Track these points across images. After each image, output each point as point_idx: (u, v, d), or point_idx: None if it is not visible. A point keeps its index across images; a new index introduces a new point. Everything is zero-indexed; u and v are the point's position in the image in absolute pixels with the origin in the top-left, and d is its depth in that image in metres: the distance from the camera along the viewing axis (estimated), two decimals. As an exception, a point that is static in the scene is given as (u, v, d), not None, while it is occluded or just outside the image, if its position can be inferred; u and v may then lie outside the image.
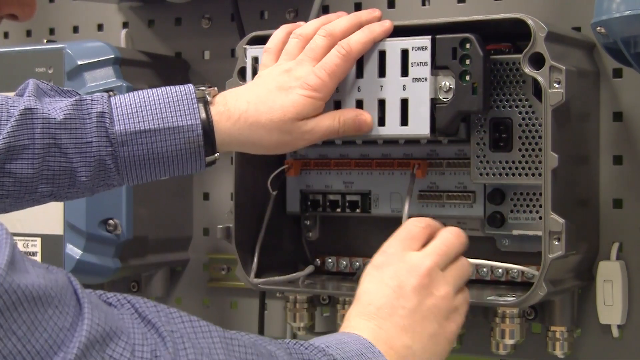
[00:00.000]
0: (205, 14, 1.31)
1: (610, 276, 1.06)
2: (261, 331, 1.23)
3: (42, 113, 0.91)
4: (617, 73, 1.07)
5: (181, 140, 0.92)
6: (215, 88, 0.97)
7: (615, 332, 1.07)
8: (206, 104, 0.94)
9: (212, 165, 0.95)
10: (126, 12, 1.37)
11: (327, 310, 1.20)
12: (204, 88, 0.95)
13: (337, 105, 1.01)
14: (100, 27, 1.39)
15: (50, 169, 0.91)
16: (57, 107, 0.92)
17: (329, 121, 0.98)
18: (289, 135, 0.96)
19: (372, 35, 0.99)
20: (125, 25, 1.37)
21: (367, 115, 0.99)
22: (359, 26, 1.00)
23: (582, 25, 1.08)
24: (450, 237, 0.89)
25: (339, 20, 1.00)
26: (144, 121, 0.92)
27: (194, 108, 0.93)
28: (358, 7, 1.21)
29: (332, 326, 1.16)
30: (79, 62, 1.17)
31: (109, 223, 1.17)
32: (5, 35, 1.47)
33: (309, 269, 1.10)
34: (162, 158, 0.93)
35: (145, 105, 0.93)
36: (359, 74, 1.01)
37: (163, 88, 0.95)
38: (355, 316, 0.83)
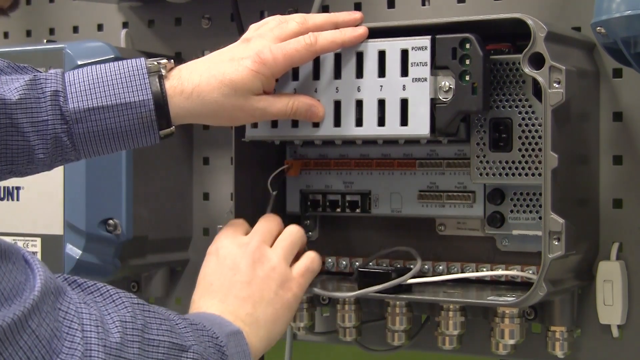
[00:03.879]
0: (205, 14, 1.31)
1: (610, 276, 1.06)
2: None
3: None
4: (617, 73, 1.07)
5: (133, 116, 0.94)
6: (172, 61, 0.98)
7: (615, 332, 1.07)
8: (160, 78, 0.95)
9: (170, 137, 0.97)
10: (126, 12, 1.37)
11: (327, 310, 1.20)
12: (159, 61, 0.96)
13: (337, 105, 1.02)
14: (100, 27, 1.39)
15: (9, 148, 0.93)
16: (13, 88, 0.93)
17: (282, 105, 1.00)
18: (241, 112, 0.97)
19: (342, 37, 1.00)
20: (125, 25, 1.37)
21: (321, 109, 1.01)
22: (334, 26, 1.01)
23: (582, 25, 1.08)
24: (267, 221, 1.02)
25: (317, 15, 1.03)
26: (96, 98, 0.94)
27: (145, 83, 0.94)
28: (358, 7, 1.21)
29: (332, 326, 1.16)
30: (79, 62, 1.17)
31: (109, 223, 1.17)
32: (5, 35, 1.47)
33: None
34: (116, 133, 0.94)
35: (98, 82, 0.94)
36: (359, 74, 1.01)
37: (116, 63, 0.96)
38: (200, 298, 0.95)
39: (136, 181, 1.19)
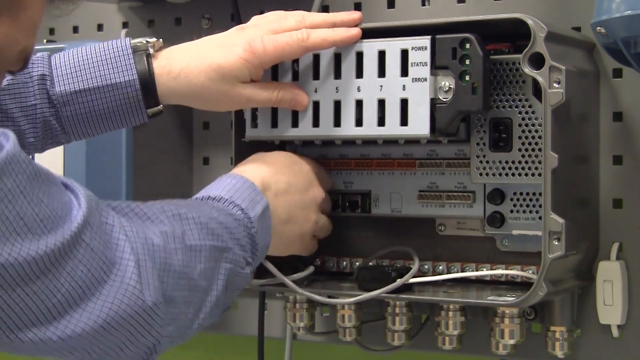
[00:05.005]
0: (205, 14, 1.31)
1: (610, 276, 1.06)
2: (261, 331, 1.23)
3: None
4: (617, 73, 1.07)
5: (120, 97, 0.96)
6: (161, 40, 0.99)
7: (615, 332, 1.07)
8: (148, 57, 0.96)
9: (158, 116, 0.98)
10: (126, 12, 1.37)
11: (327, 310, 1.20)
12: (147, 40, 0.97)
13: (337, 105, 1.02)
14: (100, 27, 1.39)
15: None
16: None
17: (267, 94, 1.00)
18: (226, 97, 0.98)
19: (334, 36, 1.00)
20: (125, 25, 1.37)
21: (305, 98, 1.02)
22: (332, 26, 1.02)
23: (582, 25, 1.08)
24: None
25: (317, 14, 1.03)
26: (82, 80, 0.95)
27: (130, 63, 0.95)
28: (358, 7, 1.21)
29: (332, 326, 1.16)
30: (79, 62, 1.17)
31: (109, 223, 1.17)
32: (5, 35, 1.47)
33: (309, 269, 1.09)
34: (104, 114, 0.96)
35: (84, 64, 0.95)
36: (359, 74, 1.01)
37: (102, 43, 0.97)
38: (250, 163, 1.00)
39: (136, 181, 1.19)
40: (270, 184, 0.97)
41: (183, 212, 0.85)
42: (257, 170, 0.98)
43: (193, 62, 0.97)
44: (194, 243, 0.83)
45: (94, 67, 0.95)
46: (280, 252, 1.02)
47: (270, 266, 1.03)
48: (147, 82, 0.95)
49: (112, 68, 0.95)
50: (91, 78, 0.95)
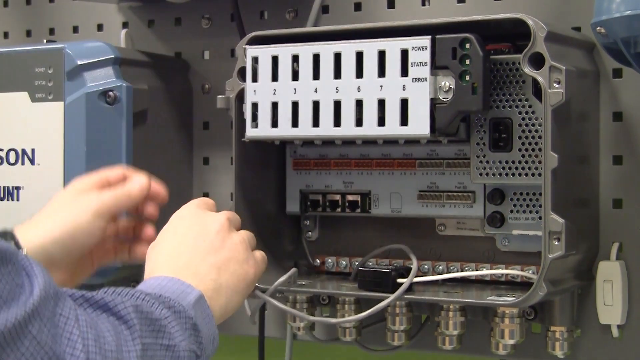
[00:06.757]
0: (205, 14, 1.31)
1: (610, 276, 1.06)
2: (261, 331, 1.23)
3: None
4: (617, 73, 1.07)
5: None
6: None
7: (615, 332, 1.07)
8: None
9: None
10: (126, 12, 1.37)
11: (327, 311, 1.20)
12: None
13: (337, 105, 1.02)
14: (100, 27, 1.39)
15: None
16: None
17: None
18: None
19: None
20: (125, 25, 1.37)
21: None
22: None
23: (582, 25, 1.08)
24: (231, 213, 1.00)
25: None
26: None
27: None
28: (358, 7, 1.21)
29: (332, 326, 1.16)
30: (79, 62, 1.17)
31: (109, 223, 1.17)
32: (5, 35, 1.47)
33: (292, 271, 1.07)
34: None
35: None
36: (359, 74, 1.01)
37: None
38: (164, 257, 0.93)
39: (136, 181, 1.19)
40: (205, 281, 0.92)
41: (142, 309, 0.80)
42: (175, 265, 0.92)
43: None
44: (147, 342, 0.78)
45: None
46: (237, 303, 0.97)
47: (273, 301, 1.03)
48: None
49: None
50: None
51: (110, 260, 1.05)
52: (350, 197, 1.11)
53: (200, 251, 0.93)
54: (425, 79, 0.98)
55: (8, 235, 0.94)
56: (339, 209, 1.12)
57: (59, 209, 0.99)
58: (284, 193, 1.15)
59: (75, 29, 1.41)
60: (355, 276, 1.07)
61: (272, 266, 1.11)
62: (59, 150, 1.18)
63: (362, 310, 1.12)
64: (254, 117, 1.07)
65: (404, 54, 0.99)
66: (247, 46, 1.07)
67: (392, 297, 1.00)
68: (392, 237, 1.11)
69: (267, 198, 1.14)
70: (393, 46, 0.99)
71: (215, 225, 0.96)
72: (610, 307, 1.06)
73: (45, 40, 1.37)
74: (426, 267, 1.09)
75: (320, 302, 1.15)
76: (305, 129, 1.03)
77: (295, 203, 1.14)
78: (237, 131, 1.09)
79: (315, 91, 1.03)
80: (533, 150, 0.99)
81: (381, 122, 1.00)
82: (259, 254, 0.99)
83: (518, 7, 1.10)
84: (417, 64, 0.98)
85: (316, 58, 1.03)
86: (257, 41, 1.07)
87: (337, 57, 1.02)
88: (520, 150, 1.00)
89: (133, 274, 1.29)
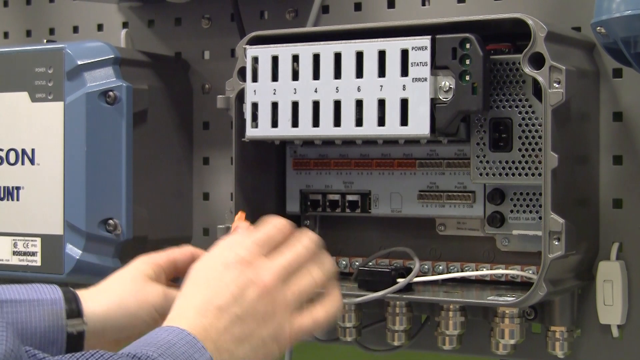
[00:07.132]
0: (205, 14, 1.31)
1: (610, 276, 1.06)
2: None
3: None
4: (617, 73, 1.07)
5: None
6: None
7: (615, 332, 1.07)
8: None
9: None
10: (126, 12, 1.37)
11: (327, 310, 1.20)
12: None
13: (337, 105, 1.02)
14: (100, 27, 1.39)
15: None
16: None
17: None
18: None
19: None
20: (125, 25, 1.37)
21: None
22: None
23: (582, 25, 1.08)
24: (300, 247, 0.85)
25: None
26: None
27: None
28: (358, 7, 1.21)
29: (332, 326, 1.16)
30: (79, 62, 1.17)
31: (108, 223, 1.17)
32: (5, 35, 1.47)
33: None
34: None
35: None
36: (359, 74, 1.01)
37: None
38: (194, 312, 0.80)
39: (136, 181, 1.19)
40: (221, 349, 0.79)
41: None
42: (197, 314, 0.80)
43: None
44: None
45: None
46: None
47: None
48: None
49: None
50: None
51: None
52: (350, 197, 1.11)
53: (230, 318, 0.79)
54: (425, 79, 0.98)
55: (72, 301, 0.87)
56: (339, 209, 1.12)
57: (123, 297, 0.90)
58: (284, 193, 1.15)
59: (75, 29, 1.41)
60: (355, 276, 1.07)
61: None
62: (59, 150, 1.18)
63: (362, 311, 1.12)
64: (254, 117, 1.07)
65: (404, 54, 0.99)
66: (247, 46, 1.07)
67: (391, 288, 1.00)
68: (392, 237, 1.11)
69: (267, 198, 1.14)
70: (393, 46, 0.99)
71: (258, 289, 0.81)
72: (610, 307, 1.06)
73: (45, 40, 1.37)
74: (426, 267, 1.09)
75: (320, 302, 1.15)
76: (305, 129, 1.03)
77: (295, 203, 1.15)
78: (237, 131, 1.09)
79: (315, 91, 1.03)
80: (533, 150, 0.99)
81: (381, 122, 1.00)
82: (304, 324, 0.83)
83: (518, 7, 1.10)
84: (417, 64, 0.98)
85: (316, 58, 1.03)
86: (257, 41, 1.07)
87: (337, 57, 1.02)
88: (520, 150, 1.00)
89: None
